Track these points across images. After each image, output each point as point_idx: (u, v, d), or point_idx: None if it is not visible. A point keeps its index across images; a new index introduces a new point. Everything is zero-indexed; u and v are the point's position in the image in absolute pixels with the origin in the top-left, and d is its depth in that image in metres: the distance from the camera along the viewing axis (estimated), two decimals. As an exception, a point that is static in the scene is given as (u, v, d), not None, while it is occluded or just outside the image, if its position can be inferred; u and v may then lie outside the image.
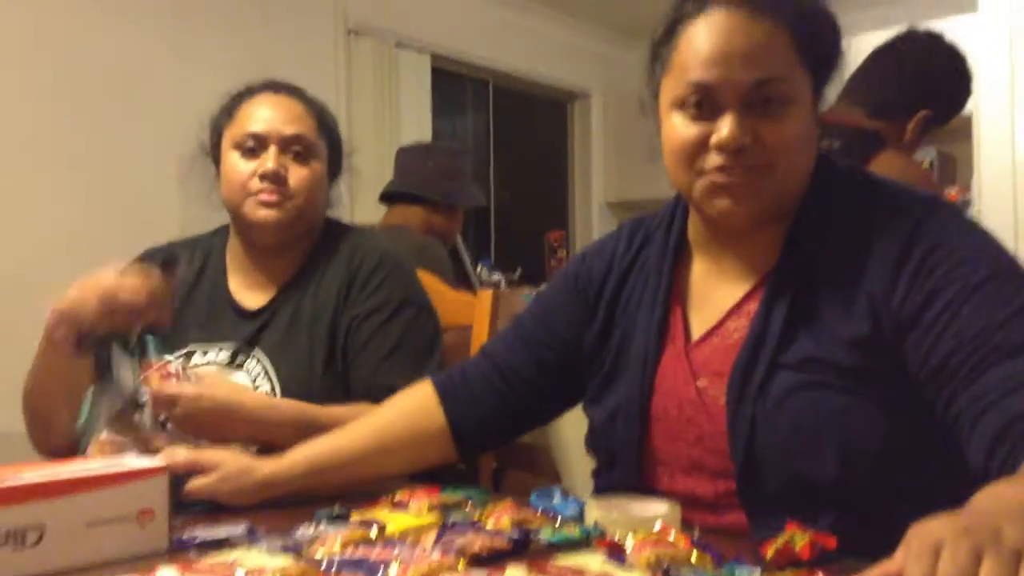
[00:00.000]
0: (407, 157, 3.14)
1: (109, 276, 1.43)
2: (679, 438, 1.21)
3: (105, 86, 3.76)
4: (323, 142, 1.73)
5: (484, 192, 5.45)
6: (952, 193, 4.53)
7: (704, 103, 1.15)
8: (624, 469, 1.26)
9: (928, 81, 2.24)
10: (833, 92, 1.25)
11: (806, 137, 1.18)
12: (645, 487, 1.23)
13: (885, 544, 0.83)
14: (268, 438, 1.45)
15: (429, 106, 5.23)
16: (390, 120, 4.90)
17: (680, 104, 1.17)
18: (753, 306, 1.19)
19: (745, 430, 1.13)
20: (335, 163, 1.79)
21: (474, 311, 1.93)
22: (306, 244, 1.74)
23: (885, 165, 2.09)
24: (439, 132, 5.47)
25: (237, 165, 1.67)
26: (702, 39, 1.15)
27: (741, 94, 1.13)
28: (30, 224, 3.53)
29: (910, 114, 2.24)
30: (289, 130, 1.67)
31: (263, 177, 1.64)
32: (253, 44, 4.20)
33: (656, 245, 1.32)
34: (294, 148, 1.67)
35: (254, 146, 1.66)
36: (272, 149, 1.66)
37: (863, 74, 2.27)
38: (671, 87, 1.19)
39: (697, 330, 1.25)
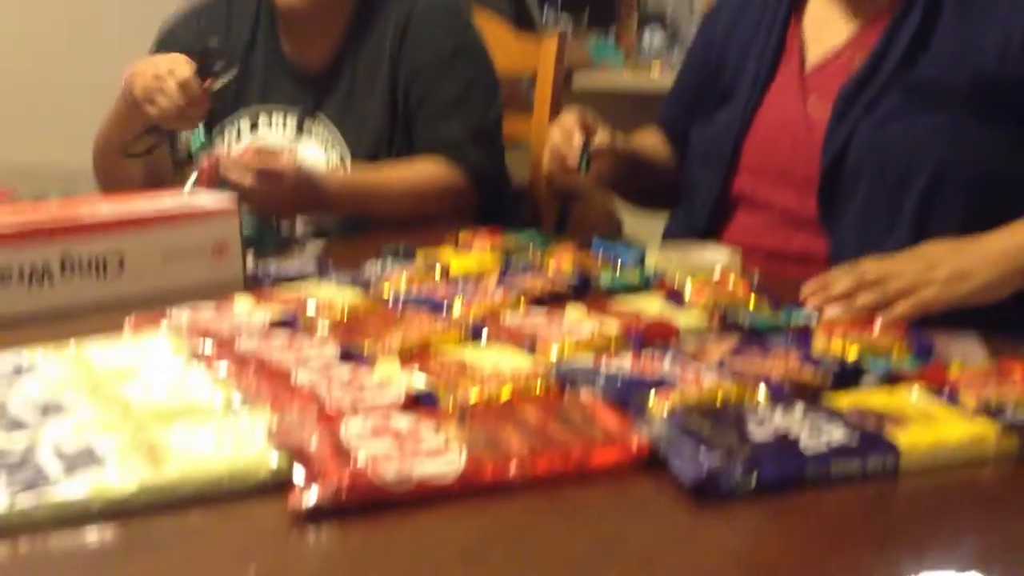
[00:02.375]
0: None
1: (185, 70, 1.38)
2: (774, 147, 1.25)
3: None
4: None
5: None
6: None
7: None
8: (713, 177, 1.30)
9: None
10: None
11: None
12: (729, 197, 1.29)
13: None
14: (353, 212, 1.46)
15: None
16: None
17: None
18: (874, 38, 1.20)
19: (841, 140, 1.17)
20: None
21: (538, 59, 1.87)
22: (348, 4, 1.64)
23: None
24: None
25: None
26: None
27: None
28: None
29: None
30: None
31: None
32: None
33: None
34: None
35: None
36: None
37: None
38: None
39: (814, 55, 1.27)
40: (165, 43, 1.68)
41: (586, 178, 1.23)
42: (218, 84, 1.41)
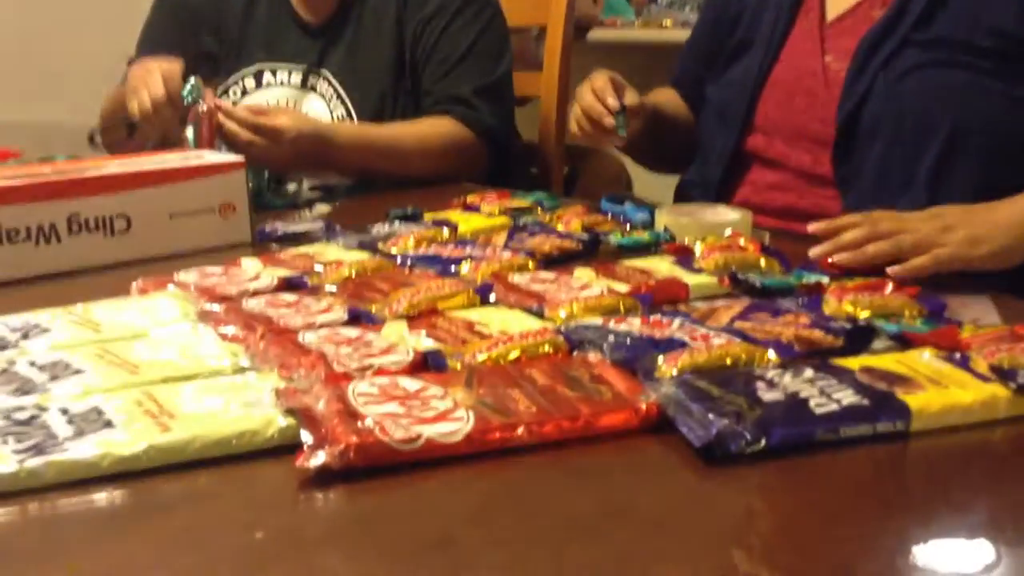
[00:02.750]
0: None
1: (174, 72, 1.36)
2: (789, 105, 1.24)
3: None
4: None
5: None
6: None
7: None
8: (727, 134, 1.29)
9: None
10: None
11: None
12: (743, 154, 1.28)
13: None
14: (360, 168, 1.45)
15: None
16: None
17: None
18: None
19: (858, 95, 1.16)
20: None
21: (548, 10, 1.84)
22: None
23: None
24: None
25: None
26: None
27: None
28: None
29: None
30: None
31: None
32: None
33: None
34: None
35: None
36: None
37: None
38: None
39: (833, 9, 1.25)
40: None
41: (623, 138, 1.22)
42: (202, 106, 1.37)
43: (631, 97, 1.22)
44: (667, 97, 1.44)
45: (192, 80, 1.35)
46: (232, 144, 1.29)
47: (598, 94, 1.21)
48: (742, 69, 1.29)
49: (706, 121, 1.36)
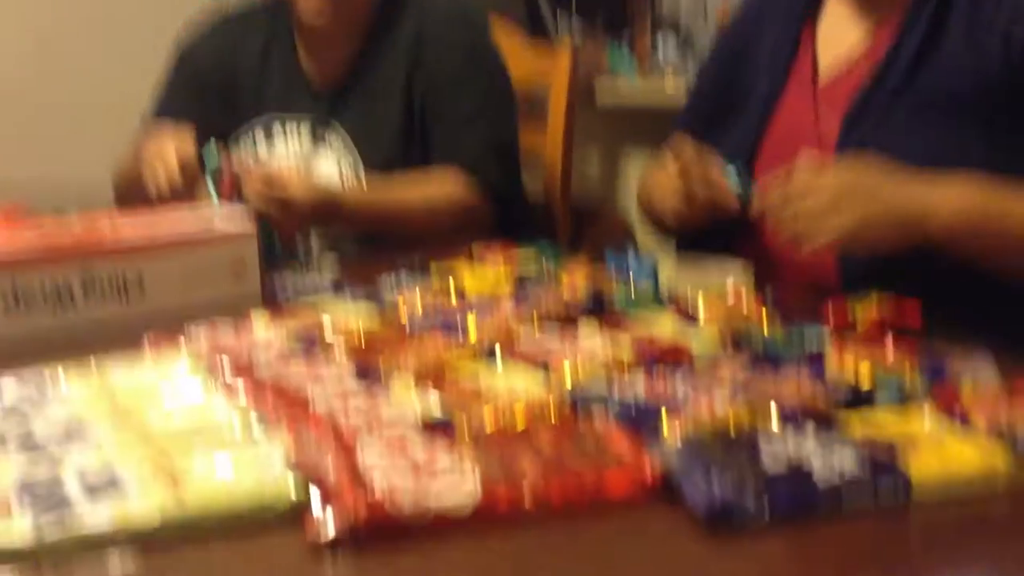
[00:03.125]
0: None
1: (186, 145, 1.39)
2: (786, 161, 1.22)
3: None
4: None
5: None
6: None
7: None
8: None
9: None
10: None
11: None
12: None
13: (975, 326, 0.87)
14: (369, 229, 1.48)
15: None
16: None
17: None
18: (885, 46, 1.20)
19: (852, 151, 1.16)
20: None
21: (554, 69, 1.87)
22: (370, 11, 1.65)
23: None
24: None
25: None
26: None
27: None
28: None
29: None
30: None
31: None
32: None
33: None
34: None
35: None
36: None
37: None
38: None
39: (826, 67, 1.27)
40: (183, 61, 1.69)
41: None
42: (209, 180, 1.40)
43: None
44: None
45: (209, 146, 1.39)
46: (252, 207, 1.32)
47: (697, 167, 1.16)
48: (739, 132, 1.31)
49: None
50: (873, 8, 1.24)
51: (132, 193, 1.52)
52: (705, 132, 1.40)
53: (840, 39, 1.27)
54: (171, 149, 1.37)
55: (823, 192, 1.04)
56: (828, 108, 1.24)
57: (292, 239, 1.41)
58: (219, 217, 1.18)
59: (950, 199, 1.05)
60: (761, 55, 1.33)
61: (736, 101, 1.34)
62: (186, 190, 1.37)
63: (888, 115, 1.17)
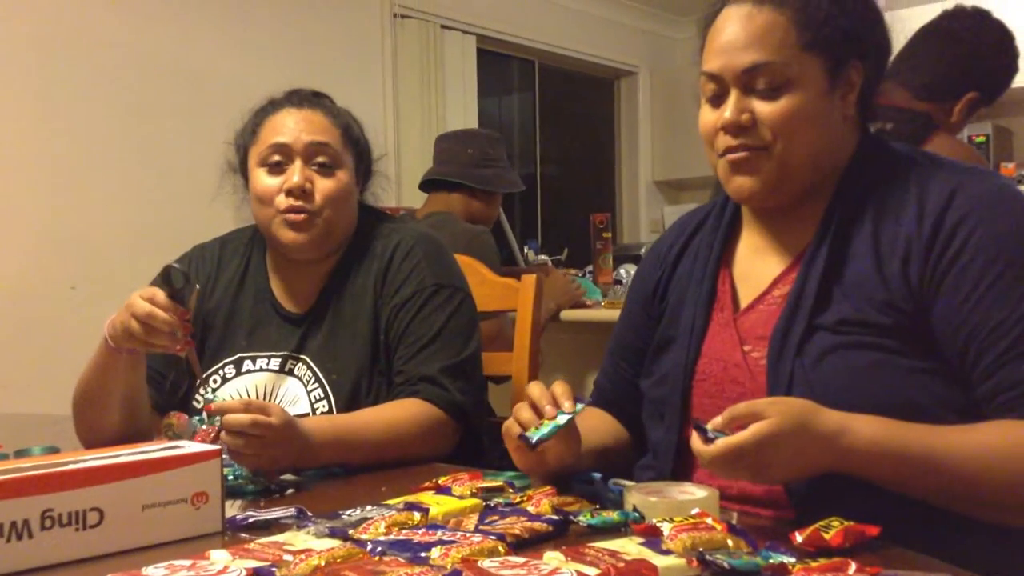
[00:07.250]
0: (445, 144, 3.16)
1: (157, 297, 1.44)
2: (722, 396, 1.26)
3: (154, 81, 3.85)
4: (349, 151, 1.71)
5: (531, 172, 5.41)
6: (1008, 168, 4.44)
7: (718, 90, 1.27)
8: (668, 427, 1.31)
9: (976, 63, 2.22)
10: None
11: (810, 117, 1.23)
12: (686, 448, 1.27)
13: (932, 534, 0.88)
14: (336, 460, 1.47)
15: (475, 87, 5.26)
16: (436, 102, 4.94)
17: (704, 93, 1.29)
18: (795, 275, 1.25)
19: (783, 386, 1.19)
20: (363, 171, 1.77)
21: (518, 296, 1.95)
22: (342, 245, 1.73)
23: (937, 147, 2.08)
24: (485, 113, 5.48)
25: (263, 181, 1.66)
26: (715, 32, 1.27)
27: (735, 78, 1.24)
28: (93, 221, 3.65)
29: (958, 97, 2.22)
30: (311, 138, 1.65)
31: (289, 192, 1.63)
32: (299, 30, 4.25)
33: (709, 225, 1.40)
34: (318, 160, 1.65)
35: (279, 160, 1.65)
36: (297, 163, 1.64)
37: (910, 53, 2.24)
38: (701, 79, 1.30)
39: (744, 300, 1.31)
40: None
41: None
42: (191, 303, 1.45)
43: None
44: (592, 426, 1.40)
45: (200, 417, 1.43)
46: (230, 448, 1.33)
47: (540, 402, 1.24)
48: (670, 364, 1.34)
49: (647, 417, 1.39)
50: (782, 238, 1.30)
51: (93, 408, 1.54)
52: (634, 365, 1.43)
53: (755, 267, 1.32)
54: (144, 300, 1.43)
55: (748, 458, 1.06)
56: (750, 335, 1.27)
57: (266, 473, 1.39)
58: (181, 446, 1.18)
59: (867, 421, 1.10)
60: (683, 290, 1.37)
61: (663, 334, 1.38)
62: (174, 328, 1.42)
63: (809, 342, 1.19)
